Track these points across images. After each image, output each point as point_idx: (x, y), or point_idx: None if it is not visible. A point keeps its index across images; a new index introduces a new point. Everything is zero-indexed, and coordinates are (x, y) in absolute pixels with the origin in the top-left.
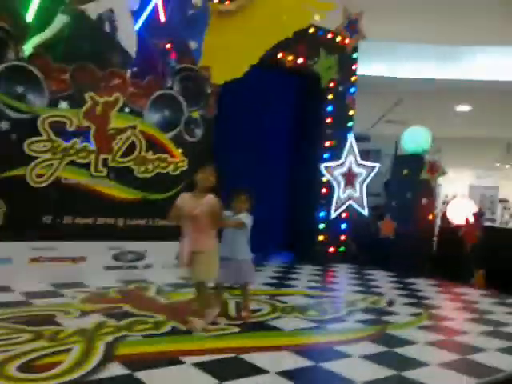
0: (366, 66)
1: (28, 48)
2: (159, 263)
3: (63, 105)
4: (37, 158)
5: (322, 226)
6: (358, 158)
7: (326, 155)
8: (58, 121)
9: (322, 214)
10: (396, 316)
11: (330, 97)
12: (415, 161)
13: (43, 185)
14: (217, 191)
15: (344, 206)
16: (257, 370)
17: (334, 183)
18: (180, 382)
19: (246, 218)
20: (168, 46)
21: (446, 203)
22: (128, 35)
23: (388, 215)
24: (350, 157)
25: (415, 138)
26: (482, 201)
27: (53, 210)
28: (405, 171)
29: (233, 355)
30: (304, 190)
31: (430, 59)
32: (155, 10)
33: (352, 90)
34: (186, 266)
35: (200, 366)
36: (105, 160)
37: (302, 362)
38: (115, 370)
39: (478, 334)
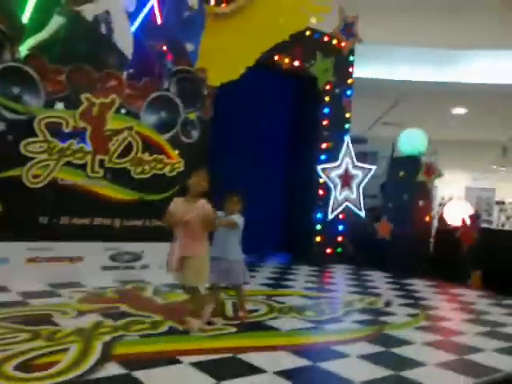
0: (363, 69)
1: (24, 49)
2: (156, 264)
3: (59, 106)
4: (33, 158)
5: (318, 227)
6: (355, 160)
7: (322, 157)
8: (55, 122)
9: (319, 215)
10: (393, 316)
11: (326, 99)
12: (412, 163)
13: (40, 185)
14: (209, 196)
15: (341, 208)
16: (254, 370)
17: (331, 185)
18: (178, 382)
19: (238, 219)
20: (164, 47)
21: (442, 205)
22: (124, 37)
23: (385, 217)
24: (347, 159)
25: (411, 141)
26: (479, 203)
27: (49, 211)
28: (401, 173)
29: (230, 355)
30: (301, 191)
31: (427, 63)
32: (151, 11)
33: (348, 92)
34: (174, 271)
35: (197, 365)
36: (101, 161)
37: (299, 362)
38: (113, 369)
39: (475, 335)
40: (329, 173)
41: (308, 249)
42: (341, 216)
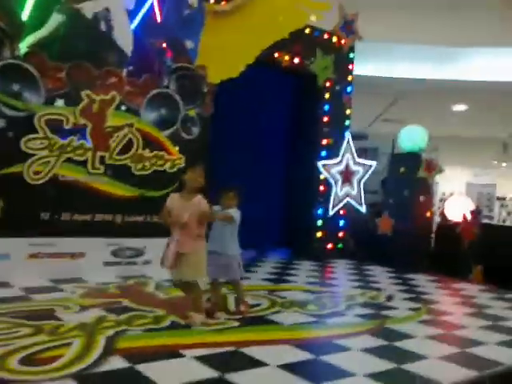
0: (364, 66)
1: (24, 46)
2: (158, 259)
3: (59, 103)
4: (34, 155)
5: (319, 222)
6: (356, 156)
7: (323, 153)
8: (55, 118)
9: (319, 211)
10: (395, 310)
11: (326, 96)
12: (412, 159)
13: (40, 182)
14: (205, 191)
15: (342, 204)
16: (257, 363)
17: (332, 181)
18: (181, 375)
19: (235, 213)
20: (164, 45)
21: (443, 201)
22: (124, 34)
23: (386, 212)
24: (348, 155)
25: (412, 137)
26: (479, 198)
27: (51, 207)
28: (402, 169)
29: (233, 349)
30: (302, 187)
31: (427, 60)
32: (151, 9)
33: (349, 89)
34: (169, 267)
35: (201, 359)
36: (102, 157)
37: (302, 356)
38: (116, 363)
39: (476, 328)
40: (329, 169)
41: (309, 244)
42: (342, 212)
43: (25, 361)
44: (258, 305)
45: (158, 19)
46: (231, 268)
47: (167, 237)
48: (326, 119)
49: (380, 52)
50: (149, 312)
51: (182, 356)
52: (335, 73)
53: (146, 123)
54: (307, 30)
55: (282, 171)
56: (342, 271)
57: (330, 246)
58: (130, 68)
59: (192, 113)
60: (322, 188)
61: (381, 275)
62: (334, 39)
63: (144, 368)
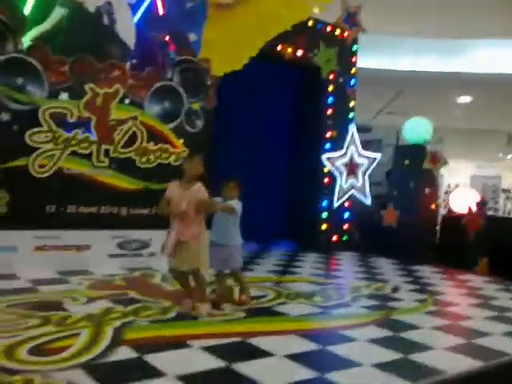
0: (368, 59)
1: (27, 40)
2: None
3: (63, 96)
4: (38, 148)
5: (325, 215)
6: (360, 149)
7: (327, 146)
8: (59, 112)
9: (324, 203)
10: (401, 302)
11: (330, 89)
12: (417, 151)
13: (46, 175)
14: (205, 179)
15: (346, 196)
16: (263, 354)
17: (336, 173)
18: (188, 364)
19: (236, 204)
20: (167, 38)
21: (448, 193)
22: (127, 27)
23: (391, 204)
24: (352, 147)
25: (416, 129)
26: (485, 190)
27: (56, 200)
28: (406, 161)
29: (239, 339)
30: (306, 180)
31: (431, 52)
32: (154, 2)
33: (352, 81)
34: (169, 255)
35: (208, 349)
36: (106, 150)
37: (308, 346)
38: (124, 353)
39: (482, 319)
40: (334, 161)
41: (314, 236)
42: (346, 204)
43: (34, 351)
44: (263, 296)
45: (161, 12)
46: (232, 257)
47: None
48: (329, 112)
49: (384, 44)
50: (155, 303)
51: (189, 346)
52: (339, 65)
53: (149, 116)
54: (310, 23)
55: (286, 164)
56: (347, 263)
57: (335, 238)
58: (134, 61)
59: (196, 106)
60: (326, 180)
61: (386, 267)
62: (337, 32)
63: (152, 358)
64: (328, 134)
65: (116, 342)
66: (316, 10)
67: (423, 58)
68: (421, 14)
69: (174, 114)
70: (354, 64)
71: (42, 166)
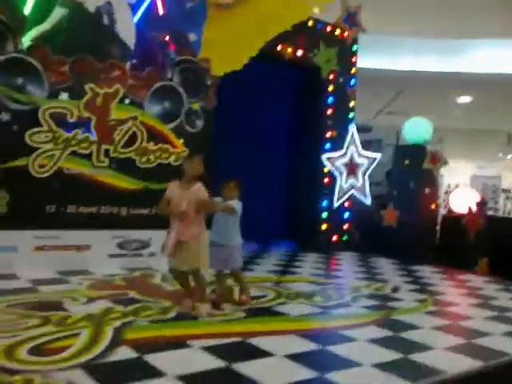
0: (367, 59)
1: (27, 40)
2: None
3: (63, 96)
4: (38, 148)
5: (324, 215)
6: (360, 149)
7: (327, 146)
8: (59, 112)
9: (324, 203)
10: (401, 302)
11: (330, 88)
12: (417, 151)
13: (46, 175)
14: (205, 179)
15: (346, 196)
16: (263, 354)
17: (336, 173)
18: (188, 364)
19: (236, 204)
20: (167, 38)
21: (448, 193)
22: (127, 28)
23: (391, 204)
24: (352, 147)
25: (416, 129)
26: (485, 190)
27: (56, 200)
28: (406, 161)
29: (239, 339)
30: (306, 180)
31: (431, 52)
32: (153, 2)
33: (352, 81)
34: (169, 255)
35: (207, 349)
36: (106, 150)
37: (308, 346)
38: (124, 353)
39: (482, 319)
40: (334, 161)
41: (314, 237)
42: (346, 204)
43: (34, 351)
44: (263, 296)
45: (161, 12)
46: (232, 258)
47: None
48: (329, 112)
49: (384, 44)
50: (155, 303)
51: (189, 346)
52: (339, 65)
53: (149, 116)
54: (310, 23)
55: (286, 164)
56: (347, 263)
57: (335, 238)
58: (134, 61)
59: (196, 106)
60: (326, 180)
61: (386, 267)
62: (337, 31)
63: (152, 358)
64: (328, 134)
65: (116, 341)
66: (316, 10)
67: (423, 58)
68: (421, 14)
69: (174, 113)
70: (354, 64)
71: (42, 166)
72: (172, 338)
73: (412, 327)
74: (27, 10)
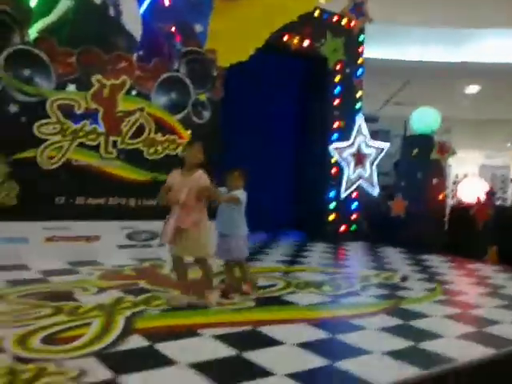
0: (375, 49)
1: (33, 32)
2: None
3: (71, 88)
4: (47, 140)
5: (332, 205)
6: (368, 139)
7: (334, 136)
8: (67, 103)
9: (332, 193)
10: (410, 291)
11: (337, 79)
12: (425, 141)
13: (54, 166)
14: (206, 167)
15: (354, 186)
16: (274, 342)
17: (344, 164)
18: (200, 353)
19: (241, 195)
20: (173, 29)
21: (456, 183)
22: (133, 19)
23: (399, 194)
24: (359, 137)
25: (424, 119)
26: (493, 180)
27: (65, 191)
28: (414, 151)
29: (250, 328)
30: (314, 170)
31: (438, 42)
32: None
33: (359, 72)
34: (168, 241)
35: (218, 338)
36: (114, 142)
37: (318, 335)
38: (135, 342)
39: (492, 308)
40: (341, 152)
41: (322, 227)
42: (354, 194)
43: (46, 340)
44: (273, 285)
45: (167, 3)
46: (237, 247)
47: None
48: (336, 102)
49: (391, 34)
50: (165, 293)
51: (199, 335)
52: (345, 55)
53: (157, 107)
54: (316, 13)
55: (294, 154)
56: (355, 253)
57: (343, 228)
58: (140, 52)
59: (202, 97)
60: (334, 171)
61: (394, 256)
62: (344, 21)
63: (163, 347)
64: (335, 125)
65: (127, 331)
66: (322, 0)
67: (430, 48)
68: (428, 3)
69: (181, 104)
70: (360, 54)
71: (50, 158)
72: (182, 327)
73: (422, 316)
74: (33, 1)
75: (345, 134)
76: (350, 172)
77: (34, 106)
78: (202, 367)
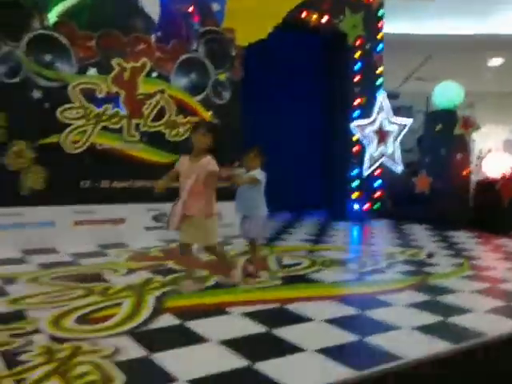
0: (395, 24)
1: (53, 16)
2: None
3: (92, 71)
4: (70, 124)
5: (356, 183)
6: (391, 115)
7: (356, 113)
8: (89, 87)
9: (355, 171)
10: (436, 267)
11: (357, 55)
12: (448, 116)
13: (79, 151)
14: (215, 151)
15: (377, 164)
16: (302, 319)
17: (366, 141)
18: (230, 330)
19: (259, 175)
20: (190, 9)
21: (480, 158)
22: (151, 0)
23: (423, 171)
24: (381, 114)
25: (447, 93)
26: None
27: (90, 175)
28: (438, 127)
29: (277, 305)
30: (336, 148)
31: (460, 14)
32: None
33: (379, 47)
34: (175, 228)
35: (247, 315)
36: (137, 125)
37: (345, 311)
38: (166, 320)
39: None
40: (363, 129)
41: (346, 205)
42: (377, 172)
43: (80, 320)
44: (298, 264)
45: None
46: (256, 228)
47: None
48: (357, 78)
49: (410, 9)
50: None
51: (228, 313)
52: (365, 31)
53: (177, 89)
54: None
55: (315, 133)
56: (380, 231)
57: (367, 206)
58: (159, 34)
59: (222, 77)
60: (356, 149)
61: (420, 233)
62: None
63: (194, 325)
64: (356, 102)
65: (158, 310)
66: None
67: (452, 21)
68: None
69: (201, 85)
70: (380, 29)
71: (74, 142)
72: (211, 306)
73: (449, 291)
74: None
75: (366, 110)
76: (372, 149)
77: (57, 91)
78: (233, 344)
